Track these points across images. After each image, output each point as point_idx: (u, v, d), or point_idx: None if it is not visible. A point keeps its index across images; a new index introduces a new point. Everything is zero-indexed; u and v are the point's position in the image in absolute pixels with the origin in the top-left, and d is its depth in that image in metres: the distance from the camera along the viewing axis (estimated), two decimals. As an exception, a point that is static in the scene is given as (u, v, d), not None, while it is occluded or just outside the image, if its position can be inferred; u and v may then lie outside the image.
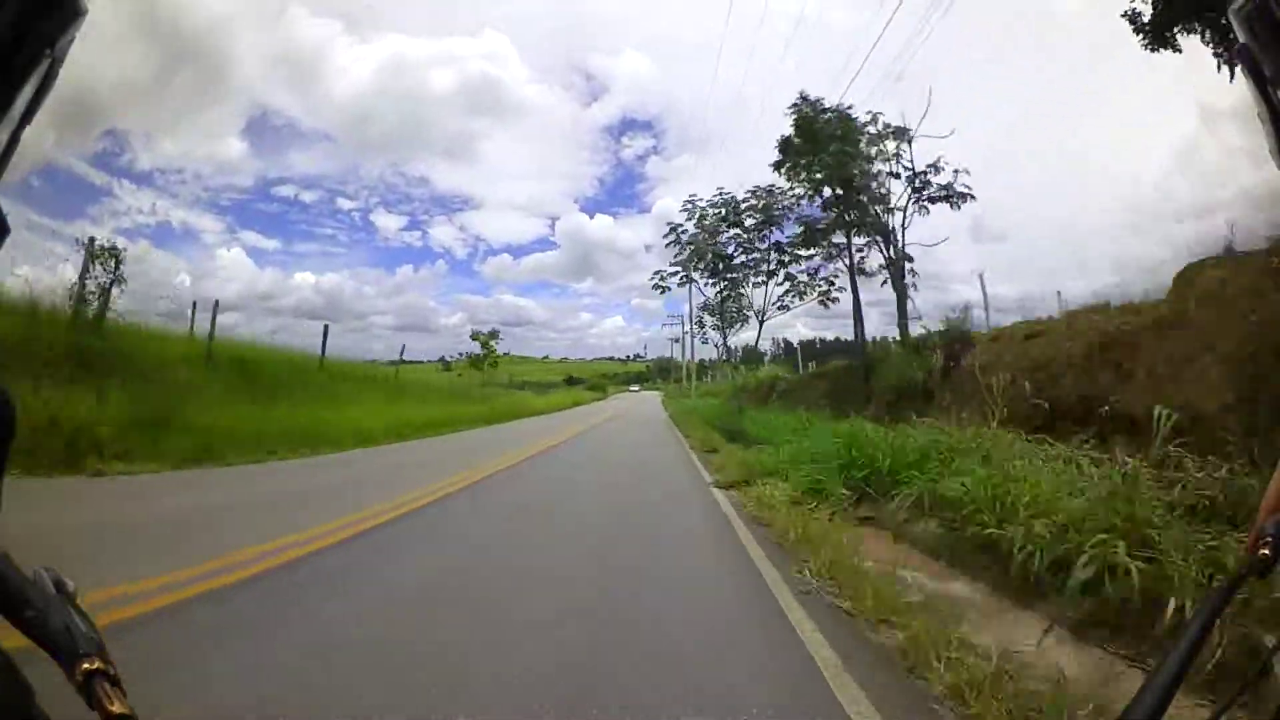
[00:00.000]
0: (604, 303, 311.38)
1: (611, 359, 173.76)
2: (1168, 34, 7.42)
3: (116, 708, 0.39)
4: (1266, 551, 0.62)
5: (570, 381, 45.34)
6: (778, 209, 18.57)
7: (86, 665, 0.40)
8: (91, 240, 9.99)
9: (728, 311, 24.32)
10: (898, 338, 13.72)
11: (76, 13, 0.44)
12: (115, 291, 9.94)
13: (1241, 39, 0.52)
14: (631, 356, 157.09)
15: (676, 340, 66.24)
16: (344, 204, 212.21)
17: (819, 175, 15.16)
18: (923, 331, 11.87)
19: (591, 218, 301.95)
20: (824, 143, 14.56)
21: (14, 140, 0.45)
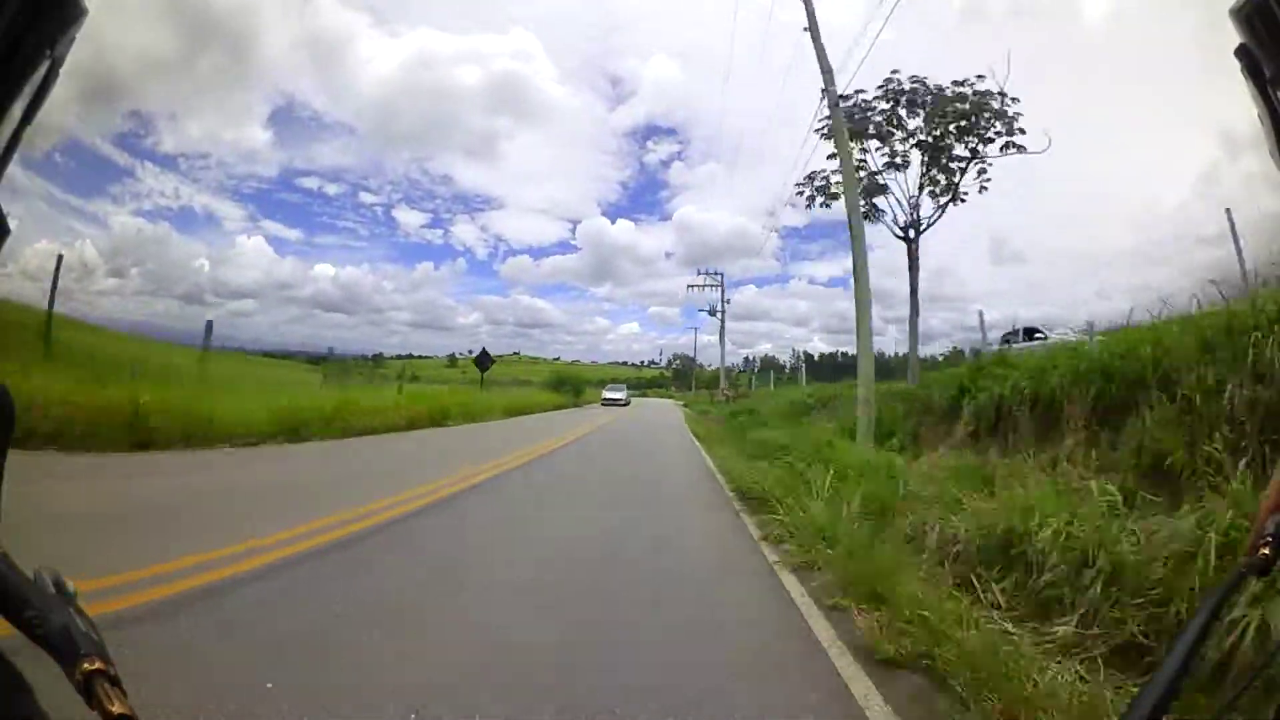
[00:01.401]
0: (621, 308, 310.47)
1: (625, 364, 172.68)
2: None
3: (116, 708, 0.39)
4: (1266, 551, 0.62)
5: (482, 365, 24.69)
6: None
7: (86, 665, 0.40)
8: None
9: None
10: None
11: (77, 13, 0.44)
12: None
13: (1241, 39, 0.52)
14: (646, 362, 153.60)
15: (713, 311, 39.33)
16: (366, 198, 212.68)
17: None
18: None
19: (613, 222, 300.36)
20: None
21: (14, 140, 0.45)
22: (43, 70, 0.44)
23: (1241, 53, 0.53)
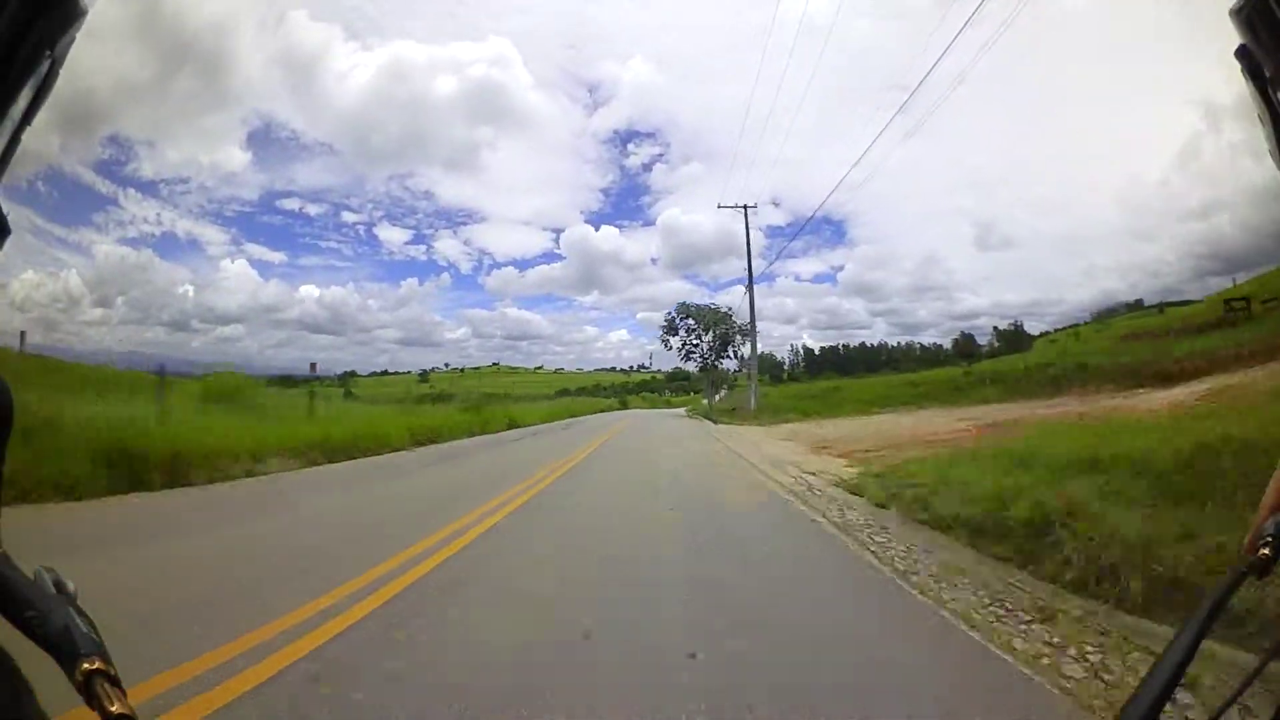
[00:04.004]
0: (609, 316, 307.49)
1: (614, 369, 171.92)
2: None
3: (116, 708, 0.39)
4: (1266, 551, 0.62)
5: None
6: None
7: (86, 665, 0.40)
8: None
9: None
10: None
11: (77, 13, 0.44)
12: None
13: (1241, 39, 0.52)
14: (636, 367, 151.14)
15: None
16: (348, 217, 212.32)
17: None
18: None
19: (597, 229, 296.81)
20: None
21: (14, 141, 0.45)
22: (43, 70, 0.44)
23: (1241, 53, 0.53)
